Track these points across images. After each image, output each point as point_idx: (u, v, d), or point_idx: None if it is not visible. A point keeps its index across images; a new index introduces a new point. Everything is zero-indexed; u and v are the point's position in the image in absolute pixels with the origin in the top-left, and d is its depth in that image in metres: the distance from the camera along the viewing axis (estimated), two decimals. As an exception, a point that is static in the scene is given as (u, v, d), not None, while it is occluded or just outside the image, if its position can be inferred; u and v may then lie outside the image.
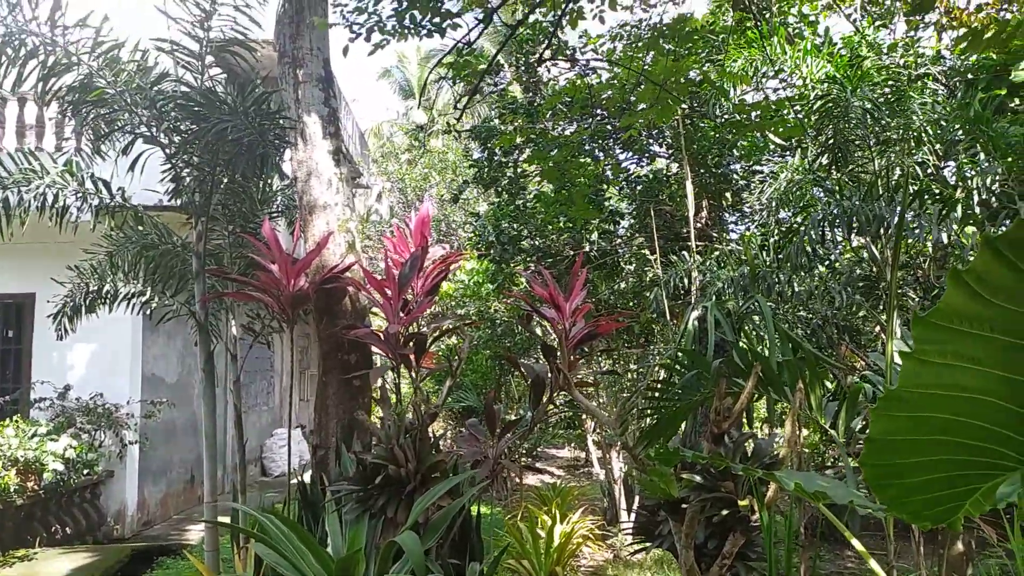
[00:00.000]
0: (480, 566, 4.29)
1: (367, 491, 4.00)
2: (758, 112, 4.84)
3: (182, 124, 4.25)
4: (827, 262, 5.36)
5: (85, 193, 4.52)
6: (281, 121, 4.23)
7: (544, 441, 14.23)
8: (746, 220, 7.81)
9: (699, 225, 7.02)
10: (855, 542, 2.34)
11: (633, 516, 6.75)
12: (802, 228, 3.88)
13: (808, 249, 3.92)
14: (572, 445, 15.95)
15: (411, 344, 4.41)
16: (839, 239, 4.93)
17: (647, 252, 7.11)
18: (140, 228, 4.81)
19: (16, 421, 7.21)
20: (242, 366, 5.06)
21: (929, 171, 4.68)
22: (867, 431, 1.70)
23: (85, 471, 7.73)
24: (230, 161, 4.17)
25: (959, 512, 1.89)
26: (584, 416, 10.91)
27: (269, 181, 5.20)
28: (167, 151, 4.41)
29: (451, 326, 5.13)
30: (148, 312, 5.30)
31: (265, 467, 12.88)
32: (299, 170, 4.62)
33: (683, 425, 4.35)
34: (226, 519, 5.25)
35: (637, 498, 7.17)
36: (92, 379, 8.36)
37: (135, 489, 8.45)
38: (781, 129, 4.60)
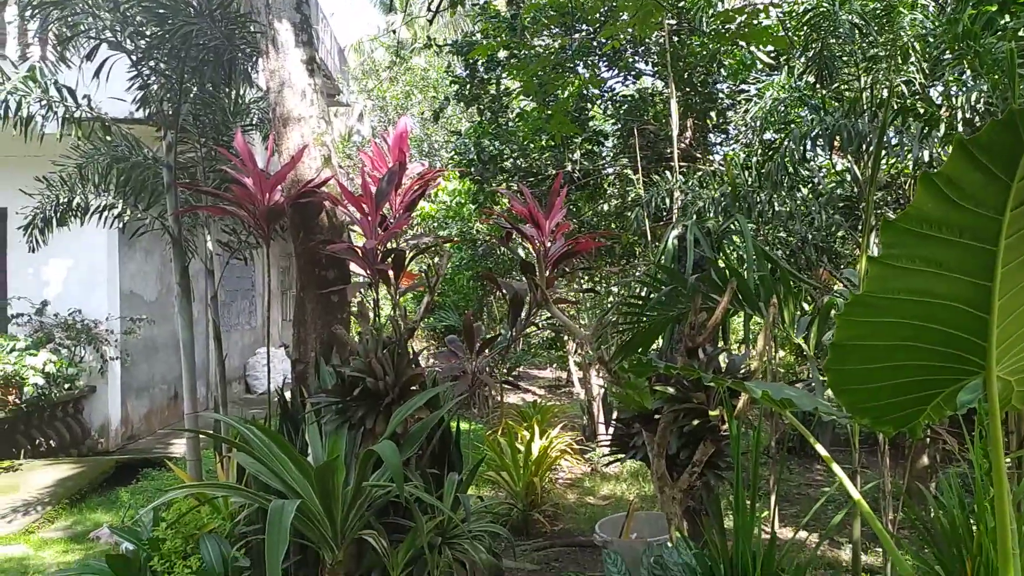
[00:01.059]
0: (459, 476, 4.40)
1: (346, 403, 4.05)
2: (743, 22, 4.70)
3: (147, 28, 4.07)
4: (809, 184, 5.34)
5: (50, 101, 4.36)
6: (250, 27, 4.06)
7: (526, 361, 14.44)
8: (731, 142, 7.73)
9: (683, 145, 6.94)
10: (819, 447, 2.41)
11: (610, 431, 6.91)
12: (784, 145, 3.84)
13: (789, 167, 3.88)
14: (554, 366, 16.21)
15: (389, 260, 4.39)
16: (821, 157, 4.89)
17: (630, 172, 7.04)
18: (109, 139, 4.68)
19: (-7, 336, 7.19)
20: (219, 282, 5.02)
21: (915, 89, 4.62)
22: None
23: (66, 385, 7.77)
24: (197, 68, 4.02)
25: (920, 417, 1.93)
26: (566, 337, 11.05)
27: (241, 92, 5.04)
28: (132, 57, 4.24)
29: (430, 243, 5.10)
30: (122, 226, 5.21)
31: (249, 385, 13.01)
32: (271, 80, 4.47)
33: (659, 343, 4.41)
34: (209, 432, 5.31)
35: (615, 414, 7.34)
36: (69, 296, 8.30)
37: (118, 404, 8.52)
38: (766, 39, 4.48)
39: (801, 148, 3.64)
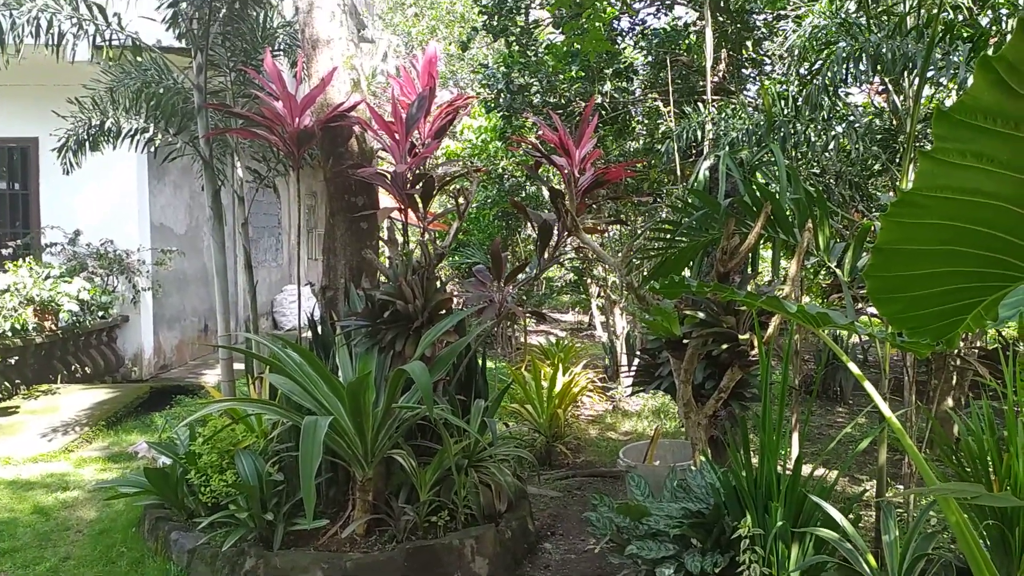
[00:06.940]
0: (485, 402, 4.47)
1: (375, 326, 4.10)
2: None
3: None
4: (846, 121, 5.20)
5: (80, 19, 4.34)
6: (280, -57, 4.00)
7: (549, 304, 14.47)
8: (766, 77, 7.53)
9: (716, 79, 6.78)
10: (852, 367, 2.40)
11: (635, 365, 6.94)
12: (825, 68, 3.73)
13: (829, 91, 3.76)
14: (576, 310, 16.25)
15: (418, 186, 4.39)
16: (859, 94, 4.74)
17: (660, 104, 6.90)
18: (139, 60, 4.66)
19: (29, 263, 7.32)
20: (250, 208, 5.05)
21: (962, 17, 4.44)
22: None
23: (100, 313, 7.94)
24: (228, -16, 3.97)
25: (960, 327, 1.90)
26: (589, 281, 11.04)
27: (268, 14, 4.98)
28: (162, -26, 4.20)
29: (459, 171, 5.08)
30: (153, 151, 5.24)
31: (276, 321, 13.21)
32: (300, 1, 4.42)
33: (687, 273, 4.39)
34: (242, 348, 5.40)
35: (638, 353, 7.37)
36: (101, 228, 8.41)
37: (151, 334, 8.70)
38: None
39: (843, 69, 3.52)
